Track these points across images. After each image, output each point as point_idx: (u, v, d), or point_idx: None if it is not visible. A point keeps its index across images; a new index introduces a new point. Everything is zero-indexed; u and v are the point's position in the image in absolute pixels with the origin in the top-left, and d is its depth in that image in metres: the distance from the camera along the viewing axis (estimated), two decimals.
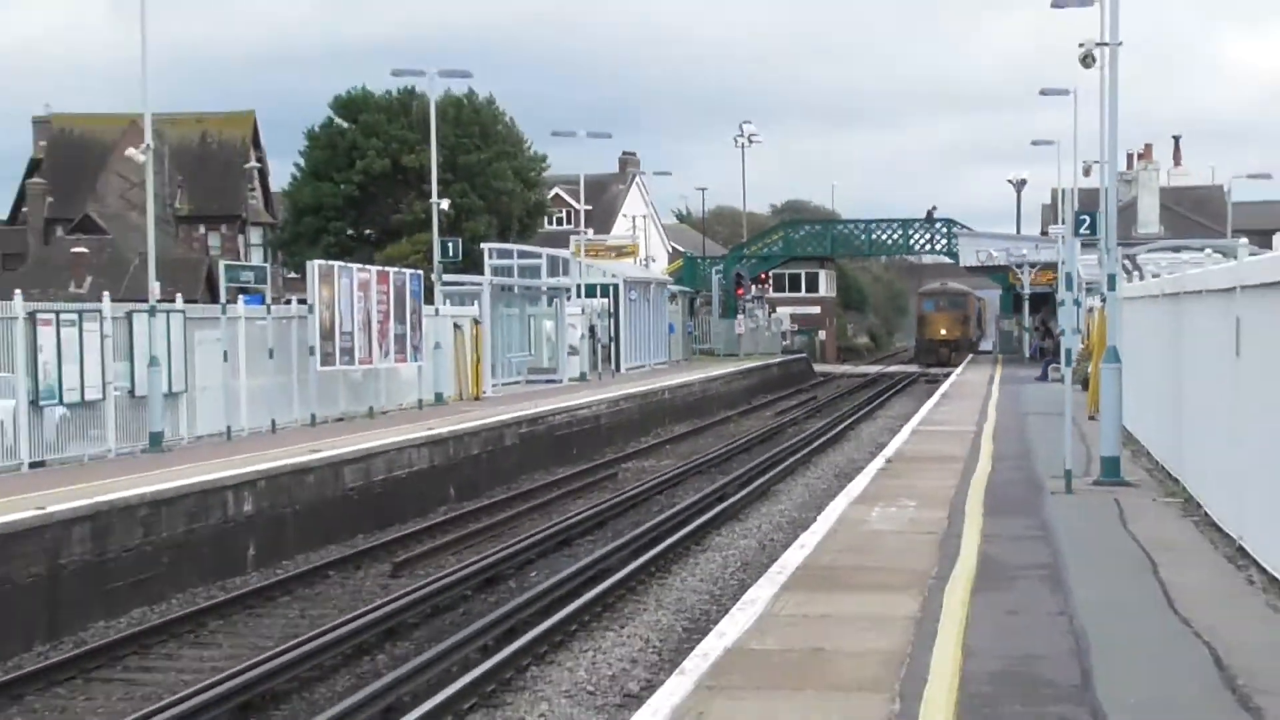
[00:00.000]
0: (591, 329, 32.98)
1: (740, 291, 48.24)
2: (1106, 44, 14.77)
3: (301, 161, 44.23)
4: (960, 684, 5.35)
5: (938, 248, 52.83)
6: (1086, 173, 32.41)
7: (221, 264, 23.90)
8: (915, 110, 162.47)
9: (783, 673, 5.84)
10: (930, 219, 52.12)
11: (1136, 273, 20.32)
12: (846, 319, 64.55)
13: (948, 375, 39.14)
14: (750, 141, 58.55)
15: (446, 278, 27.73)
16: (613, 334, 35.39)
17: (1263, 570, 7.94)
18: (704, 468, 22.02)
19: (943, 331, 51.61)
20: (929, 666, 5.72)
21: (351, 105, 44.07)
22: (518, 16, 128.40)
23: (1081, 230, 17.52)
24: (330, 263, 23.53)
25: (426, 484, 17.17)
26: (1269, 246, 17.96)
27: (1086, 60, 15.71)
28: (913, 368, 52.69)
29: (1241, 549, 8.82)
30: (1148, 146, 56.25)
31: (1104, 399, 13.92)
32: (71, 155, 47.02)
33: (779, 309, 54.78)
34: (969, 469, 15.16)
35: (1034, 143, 39.32)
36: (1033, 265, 45.30)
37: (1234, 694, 5.10)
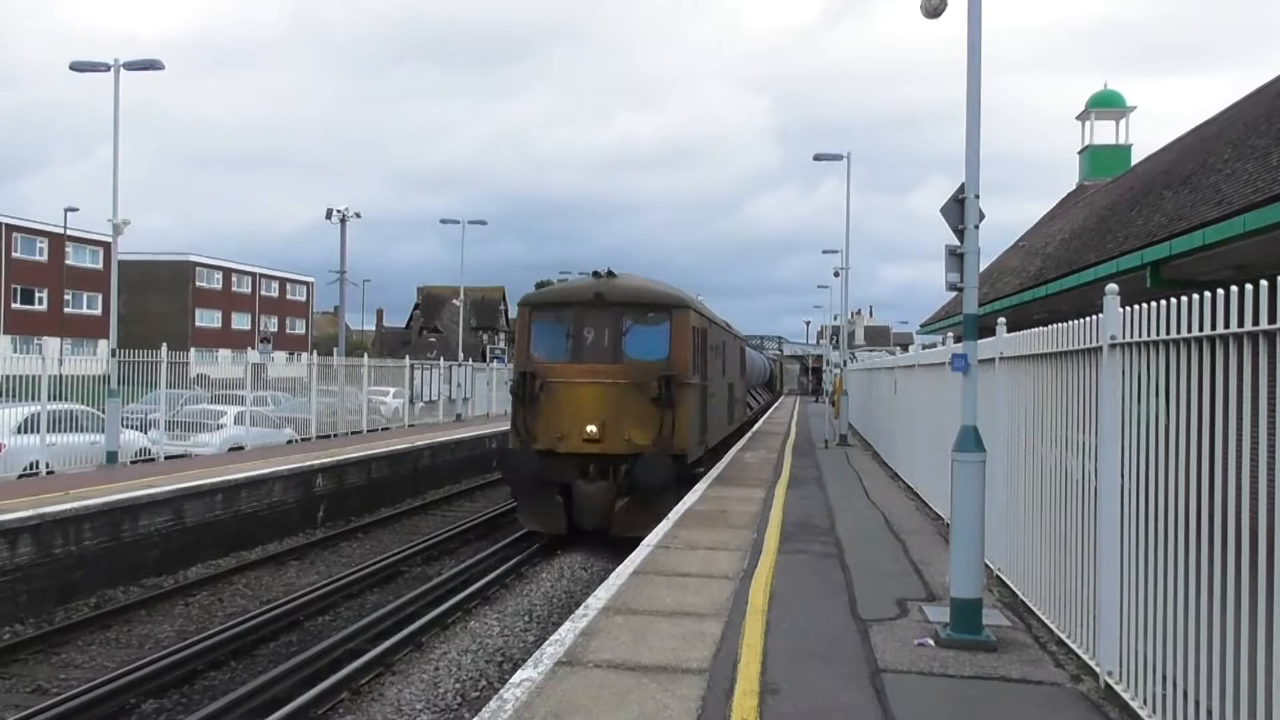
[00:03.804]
0: None
1: None
2: (841, 268, 37.15)
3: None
4: (781, 525, 12.41)
5: (776, 348, 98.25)
6: (835, 318, 59.41)
7: (488, 346, 60.71)
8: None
9: (706, 518, 12.72)
10: (773, 338, 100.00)
11: (855, 360, 38.83)
12: None
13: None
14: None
15: None
16: None
17: (904, 483, 15.98)
18: None
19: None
20: (768, 519, 12.79)
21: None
22: None
23: (833, 343, 40.28)
24: None
25: None
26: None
27: (836, 273, 39.89)
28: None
29: (895, 474, 17.13)
30: (859, 309, 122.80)
31: (841, 412, 27.89)
32: (431, 301, 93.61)
33: None
34: (787, 436, 29.81)
35: (815, 306, 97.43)
36: (815, 356, 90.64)
37: (891, 530, 12.41)
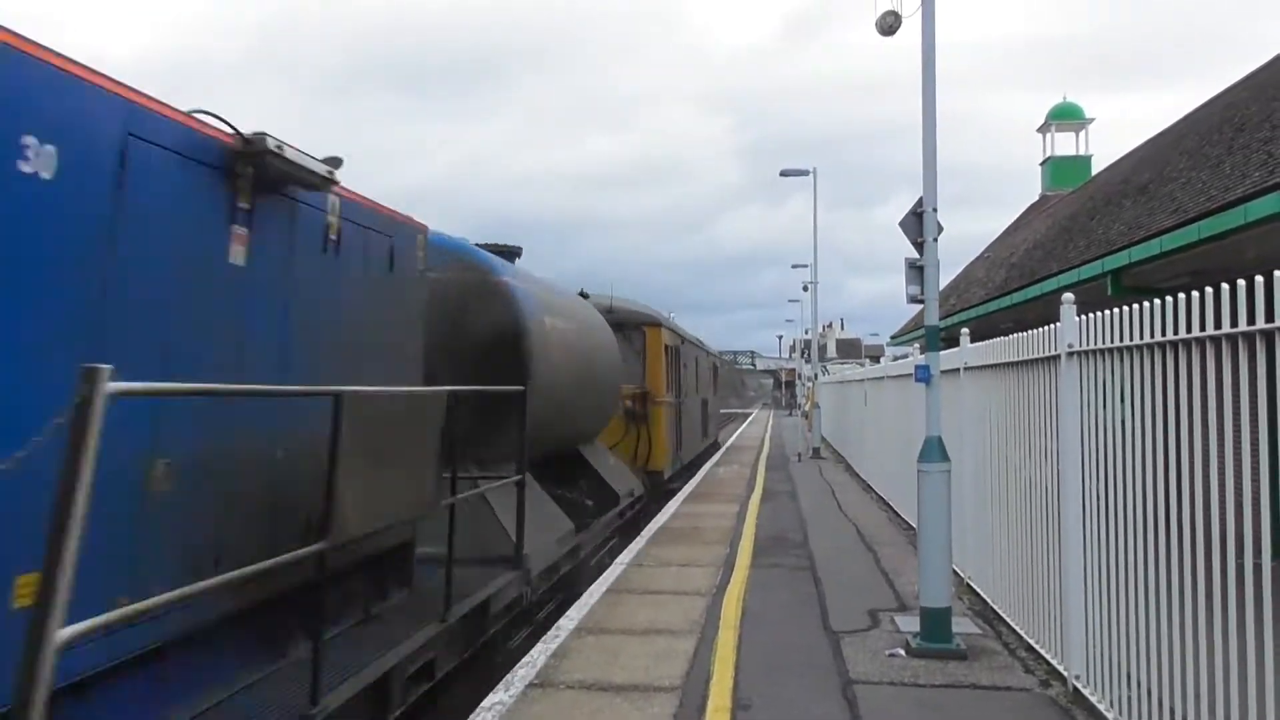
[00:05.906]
0: None
1: None
2: (810, 282, 35.83)
3: None
4: (754, 539, 12.43)
5: (750, 362, 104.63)
6: (806, 332, 57.82)
7: None
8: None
9: (680, 535, 12.73)
10: (745, 353, 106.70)
11: (827, 373, 39.62)
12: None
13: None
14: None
15: None
16: None
17: (876, 494, 16.09)
18: None
19: None
20: (741, 534, 12.81)
21: None
22: None
23: (805, 357, 41.90)
24: None
25: None
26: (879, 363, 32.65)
27: (805, 288, 40.81)
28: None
29: (868, 485, 17.19)
30: (830, 322, 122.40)
31: (813, 424, 28.92)
32: None
33: None
34: (760, 450, 29.77)
35: (788, 320, 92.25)
36: (788, 369, 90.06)
37: (863, 542, 12.46)
